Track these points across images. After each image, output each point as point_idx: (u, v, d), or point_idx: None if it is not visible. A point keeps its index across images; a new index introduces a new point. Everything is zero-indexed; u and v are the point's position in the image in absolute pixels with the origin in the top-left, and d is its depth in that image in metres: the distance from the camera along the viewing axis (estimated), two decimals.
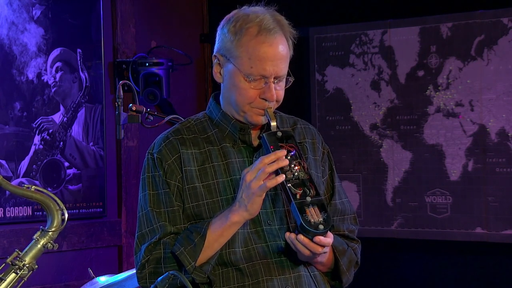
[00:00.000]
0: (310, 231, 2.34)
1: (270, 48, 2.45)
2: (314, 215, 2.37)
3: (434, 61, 4.76)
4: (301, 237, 2.36)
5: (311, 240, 2.36)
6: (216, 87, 5.90)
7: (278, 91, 2.49)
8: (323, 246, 2.39)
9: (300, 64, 5.01)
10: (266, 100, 2.47)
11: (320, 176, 2.62)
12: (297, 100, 5.01)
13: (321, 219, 2.36)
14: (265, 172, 2.37)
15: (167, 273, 2.42)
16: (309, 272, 2.54)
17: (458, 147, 4.70)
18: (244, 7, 2.54)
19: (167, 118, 3.74)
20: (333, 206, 2.63)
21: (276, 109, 2.58)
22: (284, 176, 2.38)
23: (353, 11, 5.01)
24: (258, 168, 2.38)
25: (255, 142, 2.56)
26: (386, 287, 4.96)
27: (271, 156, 2.38)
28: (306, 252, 2.40)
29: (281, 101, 2.54)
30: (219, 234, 2.44)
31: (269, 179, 2.37)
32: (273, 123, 2.47)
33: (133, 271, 3.48)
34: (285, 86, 2.53)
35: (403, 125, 4.85)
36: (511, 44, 4.57)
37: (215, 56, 2.54)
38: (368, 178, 4.93)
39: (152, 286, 2.48)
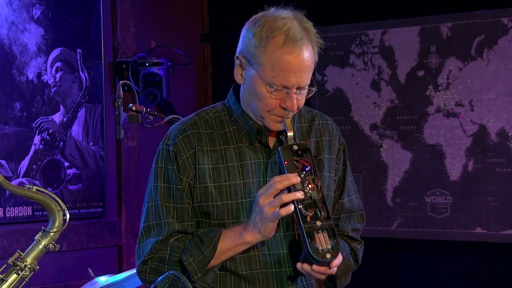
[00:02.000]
0: (317, 260, 2.32)
1: (295, 59, 2.39)
2: (323, 241, 2.34)
3: (434, 61, 4.76)
4: (316, 267, 2.35)
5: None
6: (216, 87, 5.90)
7: (299, 101, 2.45)
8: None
9: None
10: (285, 109, 2.43)
11: (333, 176, 2.60)
12: None
13: (329, 246, 2.34)
14: (281, 201, 2.34)
15: (167, 273, 2.42)
16: (306, 282, 2.55)
17: (458, 147, 4.70)
18: (272, 9, 2.47)
19: (167, 118, 3.74)
20: (340, 205, 2.61)
21: None
22: (293, 206, 2.34)
23: (353, 11, 5.01)
24: (271, 193, 2.35)
25: (272, 143, 2.53)
26: (386, 287, 4.96)
27: (284, 182, 2.35)
28: (322, 277, 2.41)
29: (300, 109, 2.49)
30: (229, 248, 2.43)
31: (282, 208, 2.35)
32: (290, 134, 2.43)
33: (133, 271, 3.48)
34: (307, 96, 2.49)
35: (403, 125, 4.85)
36: (511, 44, 4.57)
37: (237, 57, 2.49)
38: (368, 178, 4.93)
39: (152, 286, 2.48)
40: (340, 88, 5.01)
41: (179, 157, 2.49)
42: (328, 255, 2.32)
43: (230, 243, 2.43)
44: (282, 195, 2.34)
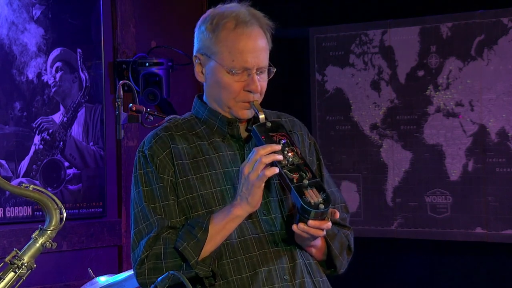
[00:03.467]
0: (312, 211, 2.37)
1: (249, 40, 2.48)
2: (313, 196, 2.39)
3: (434, 61, 4.76)
4: (312, 222, 2.38)
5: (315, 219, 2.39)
6: None
7: (262, 82, 2.52)
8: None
9: (300, 64, 5.01)
10: (250, 92, 2.50)
11: None
12: (297, 100, 5.01)
13: (321, 198, 2.39)
14: (262, 162, 2.39)
15: (167, 273, 2.42)
16: (303, 261, 2.56)
17: (458, 147, 4.70)
18: (218, 5, 2.57)
19: (167, 118, 3.73)
20: None
21: (261, 104, 2.58)
22: (277, 169, 2.40)
23: (353, 11, 5.01)
24: (254, 159, 2.40)
25: (244, 135, 2.58)
26: (386, 287, 4.96)
27: (267, 148, 2.40)
28: (321, 233, 2.42)
29: (264, 93, 2.56)
30: (221, 227, 2.44)
31: (266, 169, 2.39)
32: (261, 116, 2.50)
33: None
34: (268, 77, 2.55)
35: (403, 125, 4.85)
36: (511, 44, 4.57)
37: (195, 56, 2.58)
38: (368, 178, 4.93)
39: (152, 286, 2.48)
40: (340, 88, 5.01)
41: (156, 158, 2.54)
42: (322, 206, 2.38)
43: (221, 221, 2.45)
44: (262, 157, 2.39)
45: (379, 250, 4.90)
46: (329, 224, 2.40)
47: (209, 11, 2.56)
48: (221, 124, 2.55)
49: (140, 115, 3.80)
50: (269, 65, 2.54)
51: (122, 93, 3.84)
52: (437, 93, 4.75)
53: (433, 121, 4.76)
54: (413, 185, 4.81)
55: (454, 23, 4.71)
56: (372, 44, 4.91)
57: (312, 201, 2.38)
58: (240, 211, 2.43)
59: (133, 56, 4.96)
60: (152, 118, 3.82)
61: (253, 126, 2.48)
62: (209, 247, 2.45)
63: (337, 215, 2.44)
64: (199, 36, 2.56)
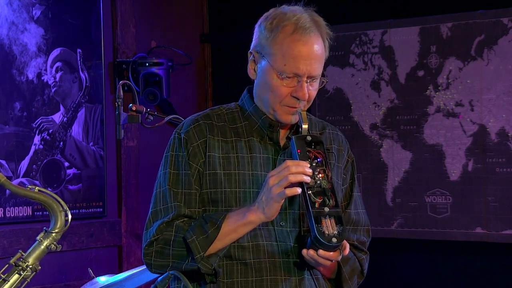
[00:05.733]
0: (323, 243, 2.35)
1: (304, 47, 2.45)
2: (330, 226, 2.36)
3: (434, 61, 4.76)
4: (322, 252, 2.37)
5: (327, 250, 2.37)
6: (216, 87, 5.92)
7: (311, 91, 2.50)
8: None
9: None
10: (297, 99, 2.47)
11: (340, 184, 2.62)
12: None
13: (336, 231, 2.36)
14: (288, 180, 2.36)
15: (167, 273, 2.43)
16: (312, 276, 2.56)
17: (458, 147, 4.70)
18: (283, 6, 2.55)
19: (167, 118, 3.74)
20: (347, 215, 2.63)
21: None
22: (300, 189, 2.37)
23: (353, 11, 5.01)
24: (282, 175, 2.37)
25: (282, 142, 2.56)
26: (386, 287, 4.96)
27: (299, 169, 2.37)
28: (328, 263, 2.42)
29: (312, 101, 2.54)
30: (233, 229, 2.44)
31: (288, 188, 2.37)
32: (305, 126, 2.47)
33: (133, 271, 3.49)
34: (319, 86, 2.53)
35: (403, 125, 4.85)
36: (511, 44, 4.57)
37: (250, 52, 2.55)
38: (368, 178, 4.93)
39: (152, 286, 2.48)
40: (340, 88, 5.02)
41: (189, 144, 2.53)
42: (334, 239, 2.35)
43: (234, 223, 2.44)
44: (289, 175, 2.36)
45: (379, 250, 4.89)
46: (340, 256, 2.39)
47: (272, 10, 2.54)
48: (263, 124, 2.54)
49: (140, 115, 3.80)
50: (322, 75, 2.52)
51: (122, 93, 3.84)
52: (437, 93, 4.75)
53: (433, 121, 4.76)
54: (413, 185, 4.81)
55: (454, 23, 4.71)
56: (372, 44, 4.91)
57: (326, 232, 2.35)
58: (254, 217, 2.42)
59: (133, 56, 4.95)
60: (152, 118, 3.82)
61: (292, 136, 2.46)
62: (216, 245, 2.45)
63: (346, 251, 2.42)
64: (258, 33, 2.53)
